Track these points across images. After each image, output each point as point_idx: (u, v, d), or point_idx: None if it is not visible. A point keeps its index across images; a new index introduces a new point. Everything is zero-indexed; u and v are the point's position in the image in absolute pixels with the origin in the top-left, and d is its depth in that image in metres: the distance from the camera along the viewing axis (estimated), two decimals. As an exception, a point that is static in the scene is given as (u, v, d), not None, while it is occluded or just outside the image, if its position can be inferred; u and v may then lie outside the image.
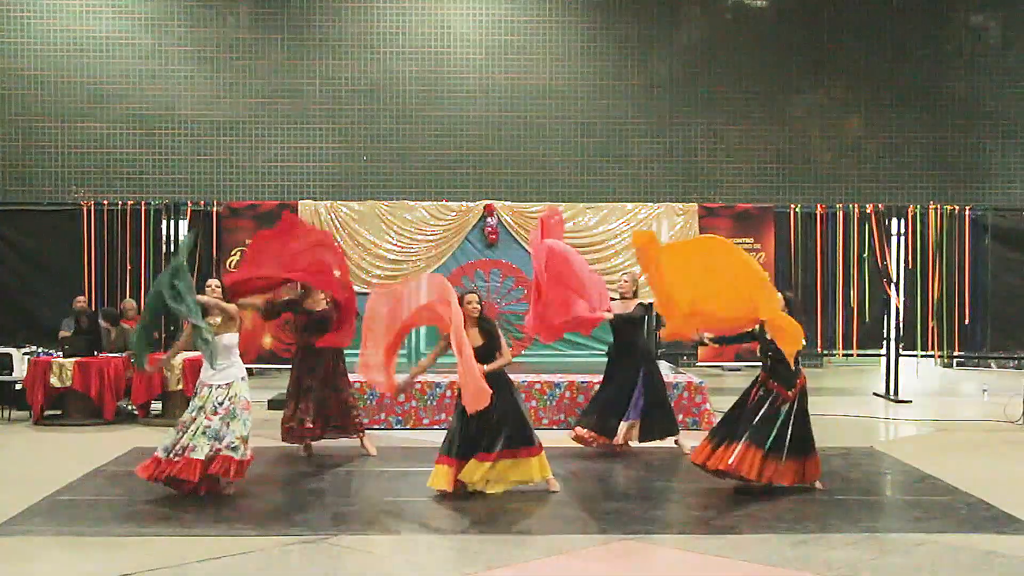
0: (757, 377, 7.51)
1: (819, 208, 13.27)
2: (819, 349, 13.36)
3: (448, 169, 15.49)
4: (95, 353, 10.91)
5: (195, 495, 7.00)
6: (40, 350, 11.40)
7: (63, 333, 11.61)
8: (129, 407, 10.92)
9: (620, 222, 12.94)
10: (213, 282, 7.64)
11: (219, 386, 7.13)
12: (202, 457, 6.88)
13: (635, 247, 8.02)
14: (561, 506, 7.00)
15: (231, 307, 7.41)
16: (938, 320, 12.98)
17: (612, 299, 9.16)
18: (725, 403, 11.40)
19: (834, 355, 14.32)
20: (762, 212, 13.21)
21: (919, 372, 14.82)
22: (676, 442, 8.88)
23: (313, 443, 8.78)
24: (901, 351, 13.02)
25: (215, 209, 12.89)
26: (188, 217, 12.85)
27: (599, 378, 9.51)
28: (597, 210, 13.04)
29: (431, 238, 12.76)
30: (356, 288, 12.22)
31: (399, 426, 10.28)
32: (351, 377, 8.94)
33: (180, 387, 10.47)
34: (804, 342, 7.16)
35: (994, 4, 16.12)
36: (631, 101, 15.66)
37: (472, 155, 15.54)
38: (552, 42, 15.65)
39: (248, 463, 7.10)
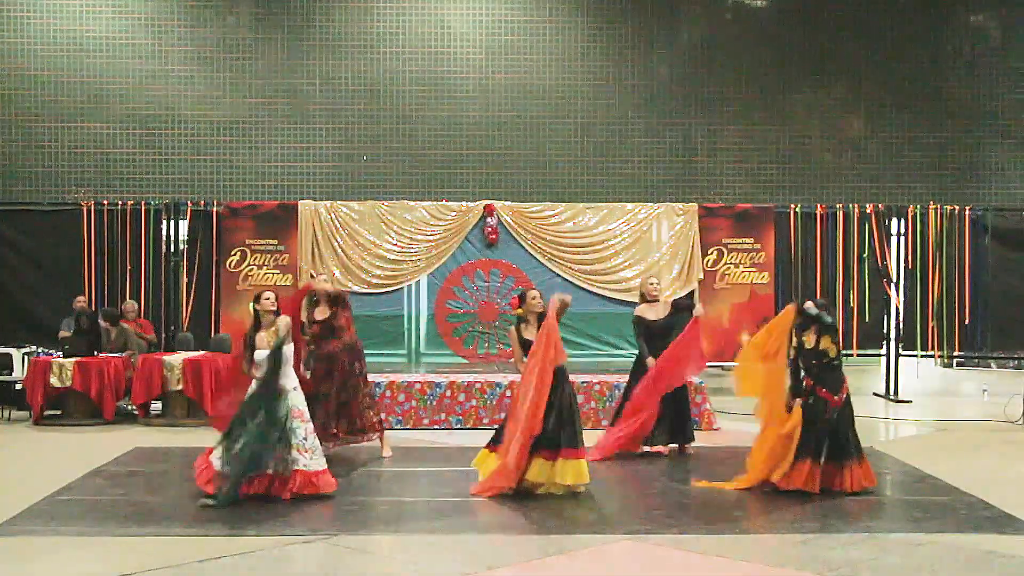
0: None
1: (819, 208, 13.27)
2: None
3: (448, 169, 15.48)
4: (95, 353, 10.91)
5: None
6: (40, 350, 11.41)
7: (63, 333, 11.61)
8: (129, 407, 10.93)
9: (620, 222, 12.95)
10: (271, 295, 7.52)
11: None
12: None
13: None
14: (561, 506, 7.00)
15: (283, 319, 7.38)
16: (938, 320, 12.99)
17: (632, 303, 9.20)
18: (725, 403, 11.46)
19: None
20: (762, 212, 13.21)
21: (919, 372, 14.83)
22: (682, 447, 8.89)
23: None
24: (901, 351, 13.02)
25: (215, 209, 12.89)
26: (188, 217, 12.86)
27: (601, 378, 9.53)
28: (597, 210, 13.05)
29: (431, 238, 12.76)
30: (355, 288, 12.30)
31: (399, 426, 10.28)
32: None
33: (180, 387, 10.48)
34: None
35: (994, 4, 16.11)
36: (631, 101, 15.66)
37: (472, 155, 15.53)
38: (552, 42, 15.64)
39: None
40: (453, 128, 15.52)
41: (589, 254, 12.85)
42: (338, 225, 12.75)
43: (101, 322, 11.48)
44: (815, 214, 13.20)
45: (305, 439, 7.08)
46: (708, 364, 13.42)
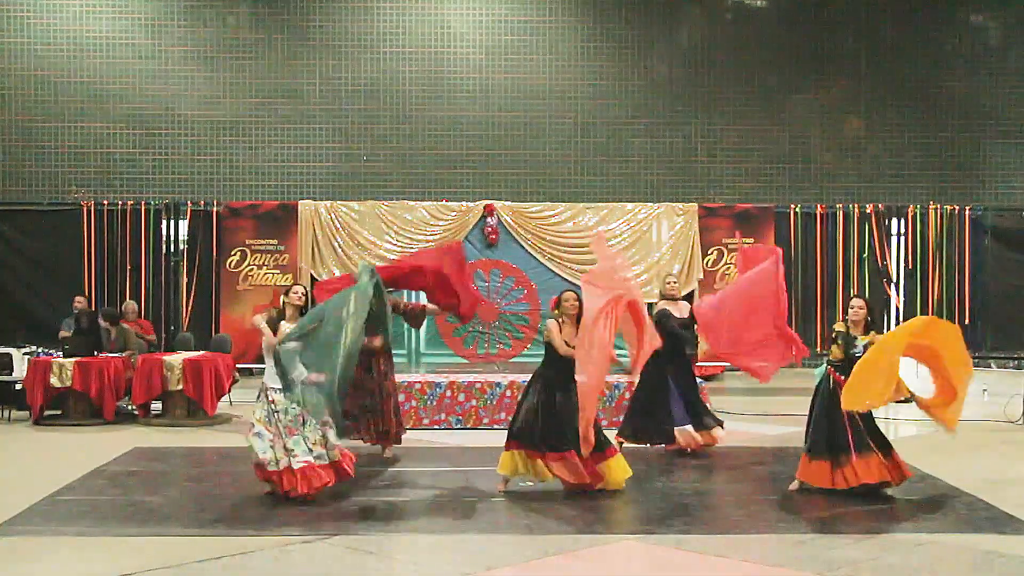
0: (826, 383, 7.38)
1: (819, 208, 13.28)
2: (818, 349, 13.34)
3: (448, 169, 15.49)
4: (95, 353, 10.90)
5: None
6: (40, 350, 11.40)
7: (63, 333, 11.61)
8: (129, 407, 10.92)
9: (620, 222, 12.95)
10: (300, 288, 7.47)
11: None
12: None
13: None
14: (561, 506, 6.99)
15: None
16: (938, 320, 12.98)
17: (648, 302, 9.16)
18: (725, 403, 11.46)
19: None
20: (762, 212, 13.22)
21: (919, 372, 14.81)
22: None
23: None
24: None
25: (215, 209, 12.89)
26: (188, 217, 12.86)
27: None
28: (597, 210, 13.05)
29: (431, 238, 12.76)
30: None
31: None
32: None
33: (180, 387, 10.47)
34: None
35: (994, 4, 16.12)
36: (631, 101, 15.67)
37: (472, 155, 15.54)
38: (552, 42, 15.65)
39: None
40: (453, 128, 15.53)
41: (589, 254, 12.83)
42: (338, 225, 12.75)
43: (101, 322, 11.47)
44: (815, 214, 13.20)
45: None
46: (708, 364, 13.48)
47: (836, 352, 7.38)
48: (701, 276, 12.92)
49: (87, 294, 12.44)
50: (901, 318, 12.97)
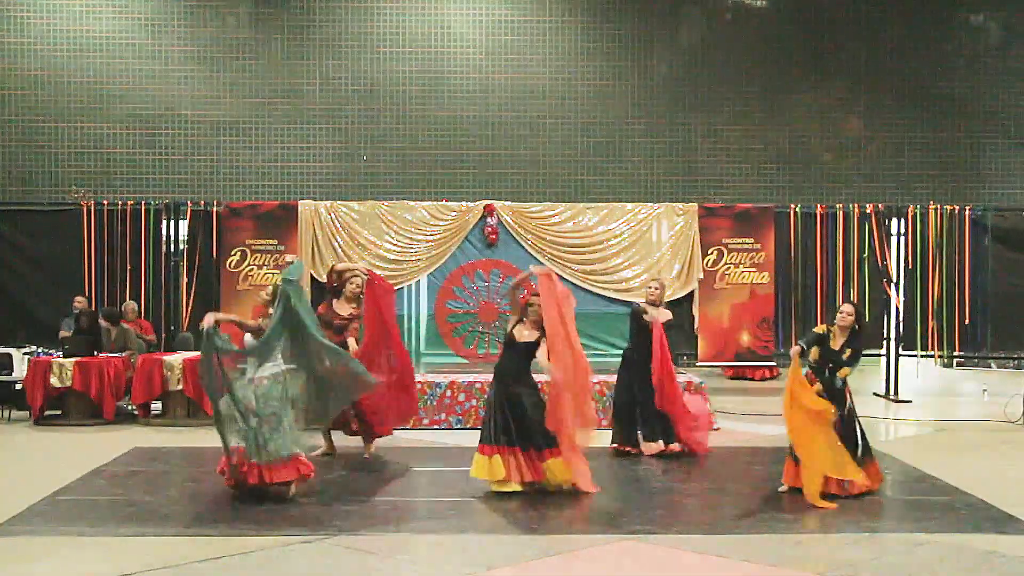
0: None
1: (819, 208, 13.27)
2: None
3: (448, 169, 15.49)
4: (95, 353, 10.91)
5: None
6: (40, 350, 11.40)
7: (63, 333, 11.61)
8: (129, 407, 10.92)
9: (620, 222, 12.93)
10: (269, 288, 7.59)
11: None
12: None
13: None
14: (561, 506, 7.00)
15: None
16: (938, 320, 12.98)
17: (623, 301, 9.20)
18: (725, 403, 11.46)
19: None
20: (762, 212, 13.20)
21: (919, 372, 14.83)
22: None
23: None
24: (901, 351, 13.02)
25: (215, 209, 12.88)
26: (188, 217, 12.85)
27: (600, 378, 9.49)
28: (597, 210, 13.03)
29: (431, 238, 12.75)
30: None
31: (399, 426, 10.27)
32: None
33: (180, 387, 10.47)
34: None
35: (994, 4, 16.12)
36: (631, 101, 15.66)
37: (472, 155, 15.53)
38: (552, 42, 15.65)
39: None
40: (453, 128, 15.53)
41: (589, 254, 12.84)
42: (338, 225, 12.74)
43: (101, 322, 11.47)
44: (815, 214, 13.19)
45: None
46: (708, 364, 13.50)
47: (814, 354, 7.36)
48: (701, 276, 12.91)
49: (87, 294, 12.43)
50: (901, 318, 12.96)
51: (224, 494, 7.11)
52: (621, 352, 9.34)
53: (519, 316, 7.50)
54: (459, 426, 10.31)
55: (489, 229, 12.70)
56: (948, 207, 13.24)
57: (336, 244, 12.70)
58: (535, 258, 12.78)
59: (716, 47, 15.74)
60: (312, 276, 12.35)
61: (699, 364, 13.43)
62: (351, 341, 8.60)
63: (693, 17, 15.84)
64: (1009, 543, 6.04)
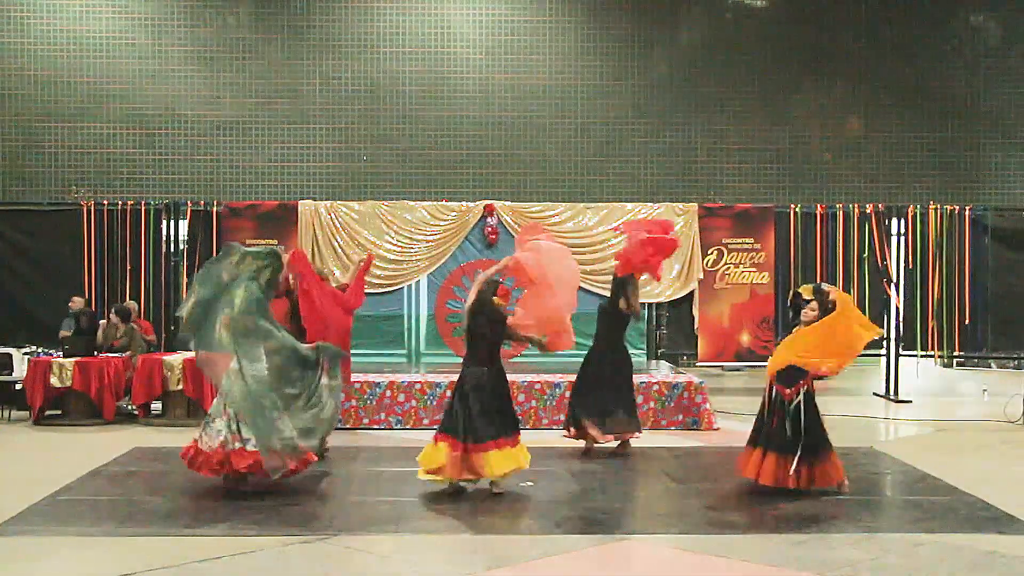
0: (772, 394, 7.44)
1: (819, 208, 13.27)
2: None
3: (448, 169, 15.49)
4: (95, 353, 10.91)
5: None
6: (40, 350, 11.39)
7: (63, 333, 11.61)
8: (129, 407, 10.92)
9: (620, 222, 12.93)
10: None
11: None
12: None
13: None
14: (561, 506, 7.00)
15: None
16: (938, 320, 12.98)
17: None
18: (725, 403, 11.46)
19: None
20: (762, 212, 13.21)
21: (919, 372, 14.83)
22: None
23: None
24: (901, 351, 13.02)
25: (215, 209, 12.88)
26: (188, 217, 12.86)
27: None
28: (597, 210, 13.04)
29: (431, 238, 12.75)
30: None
31: (399, 426, 10.28)
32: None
33: (180, 387, 10.47)
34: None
35: (994, 4, 16.12)
36: (631, 101, 15.66)
37: (472, 155, 15.54)
38: (552, 42, 15.65)
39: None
40: (453, 128, 15.53)
41: (589, 254, 12.84)
42: (338, 225, 12.75)
43: (112, 317, 11.48)
44: (815, 214, 13.19)
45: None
46: (708, 364, 13.51)
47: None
48: (701, 276, 12.92)
49: (87, 294, 12.44)
50: (901, 318, 12.97)
51: (224, 494, 7.10)
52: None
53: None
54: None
55: (489, 229, 12.70)
56: (948, 207, 13.25)
57: (336, 244, 12.71)
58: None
59: (716, 47, 15.75)
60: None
61: (699, 364, 13.45)
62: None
63: (693, 17, 15.84)
64: (1009, 543, 6.04)
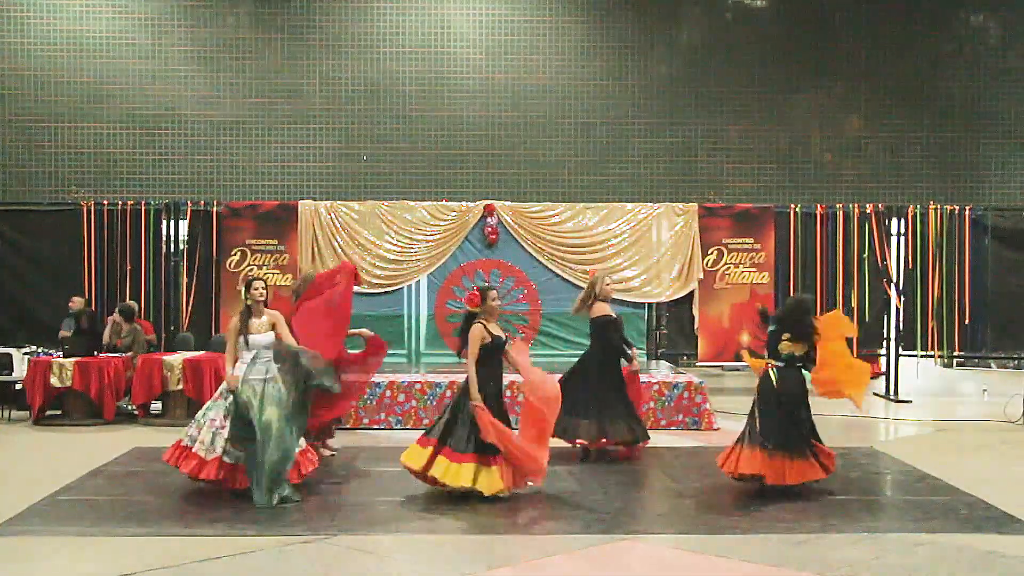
0: (768, 381, 7.45)
1: (819, 208, 13.28)
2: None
3: (448, 169, 15.49)
4: (95, 353, 10.91)
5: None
6: (40, 350, 11.40)
7: (63, 333, 11.61)
8: (129, 407, 10.92)
9: (620, 222, 12.95)
10: (260, 283, 7.51)
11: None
12: None
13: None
14: (561, 506, 7.00)
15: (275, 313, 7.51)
16: (938, 320, 12.99)
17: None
18: (725, 403, 11.46)
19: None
20: (762, 212, 13.21)
21: (919, 372, 14.83)
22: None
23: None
24: (901, 351, 13.02)
25: (215, 209, 12.88)
26: (188, 217, 12.86)
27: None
28: (597, 210, 13.04)
29: (431, 238, 12.76)
30: (355, 288, 12.26)
31: (399, 426, 10.28)
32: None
33: (180, 387, 10.47)
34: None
35: (994, 4, 16.11)
36: (631, 101, 15.66)
37: (472, 155, 15.53)
38: (552, 42, 15.65)
39: None
40: (453, 128, 15.53)
41: (589, 254, 12.85)
42: (338, 225, 12.75)
43: (115, 316, 11.48)
44: (815, 214, 13.20)
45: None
46: (708, 364, 13.50)
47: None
48: (701, 276, 12.92)
49: (87, 294, 12.44)
50: (901, 318, 12.97)
51: (224, 494, 7.10)
52: None
53: (482, 321, 7.47)
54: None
55: (489, 229, 12.70)
56: (948, 207, 13.25)
57: (336, 244, 12.72)
58: (535, 258, 12.80)
59: (716, 47, 15.74)
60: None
61: (699, 364, 13.46)
62: None
63: (693, 17, 15.83)
64: (1009, 543, 6.04)
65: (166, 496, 7.13)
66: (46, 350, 11.39)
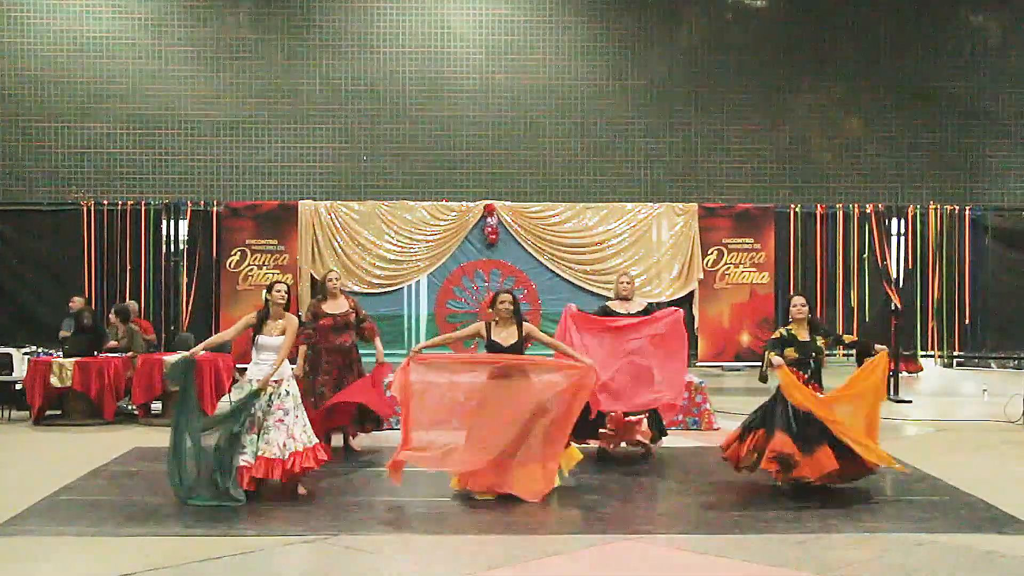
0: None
1: (819, 208, 13.28)
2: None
3: (448, 169, 15.49)
4: (95, 353, 10.90)
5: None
6: (40, 350, 11.39)
7: (63, 333, 11.61)
8: (129, 407, 10.92)
9: (620, 222, 12.94)
10: (283, 286, 7.55)
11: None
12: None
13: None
14: (561, 506, 7.00)
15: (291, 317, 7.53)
16: (938, 320, 12.98)
17: (608, 298, 9.23)
18: (725, 403, 11.45)
19: (834, 355, 14.31)
20: (762, 212, 13.21)
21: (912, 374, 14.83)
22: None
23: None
24: (901, 351, 13.02)
25: (215, 209, 12.88)
26: (188, 217, 12.86)
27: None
28: (597, 210, 13.04)
29: (431, 238, 12.76)
30: (355, 288, 12.28)
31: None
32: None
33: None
34: None
35: (994, 4, 16.11)
36: (631, 101, 15.66)
37: (472, 155, 15.53)
38: (552, 42, 15.65)
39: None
40: (453, 128, 15.53)
41: (589, 254, 12.85)
42: (338, 225, 12.75)
43: (112, 318, 11.48)
44: (815, 214, 13.20)
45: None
46: (708, 364, 13.49)
47: (791, 353, 7.40)
48: (701, 276, 12.92)
49: (87, 294, 12.44)
50: (902, 318, 12.96)
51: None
52: None
53: (491, 320, 7.49)
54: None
55: (489, 229, 12.70)
56: (948, 207, 13.25)
57: (336, 244, 12.71)
58: (535, 258, 12.80)
59: (716, 47, 15.74)
60: (312, 276, 12.38)
61: (699, 364, 13.44)
62: (377, 342, 9.08)
63: (693, 17, 15.83)
64: (1009, 543, 6.04)
65: (166, 496, 7.12)
66: (46, 350, 11.39)
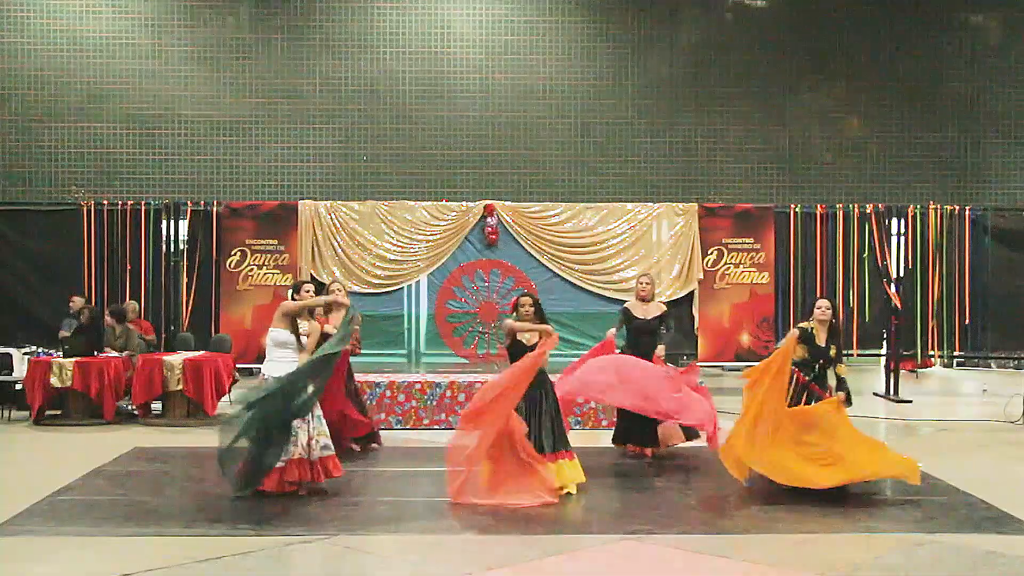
0: (794, 384, 7.43)
1: (819, 208, 13.28)
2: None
3: (448, 169, 15.49)
4: (95, 352, 10.90)
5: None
6: (40, 350, 11.39)
7: (63, 333, 11.61)
8: (129, 407, 10.92)
9: (620, 222, 12.95)
10: (310, 285, 7.79)
11: None
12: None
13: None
14: (561, 506, 6.99)
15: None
16: (938, 320, 12.98)
17: (623, 301, 9.22)
18: (725, 403, 11.44)
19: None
20: (762, 212, 13.21)
21: (919, 372, 14.83)
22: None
23: None
24: (901, 351, 13.02)
25: (215, 209, 12.89)
26: (188, 217, 12.86)
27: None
28: (597, 210, 13.05)
29: (431, 238, 12.76)
30: (355, 288, 12.28)
31: (399, 426, 10.28)
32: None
33: (180, 387, 10.47)
34: None
35: (994, 4, 16.12)
36: (631, 101, 15.66)
37: (472, 155, 15.54)
38: (552, 42, 15.65)
39: None
40: (453, 128, 15.53)
41: (589, 254, 12.85)
42: (338, 225, 12.75)
43: (108, 319, 11.48)
44: (815, 214, 13.20)
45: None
46: (708, 364, 13.49)
47: (801, 352, 7.41)
48: (701, 276, 12.92)
49: (87, 294, 12.45)
50: (902, 318, 12.96)
51: (224, 494, 7.10)
52: (619, 351, 9.29)
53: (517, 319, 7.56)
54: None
55: (489, 229, 12.71)
56: (948, 207, 13.26)
57: (336, 244, 12.72)
58: (535, 258, 12.80)
59: (716, 47, 15.74)
60: (312, 276, 12.37)
61: (699, 364, 13.43)
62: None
63: (693, 17, 15.83)
64: (1009, 543, 6.04)
65: (166, 496, 7.13)
66: (46, 350, 11.38)
